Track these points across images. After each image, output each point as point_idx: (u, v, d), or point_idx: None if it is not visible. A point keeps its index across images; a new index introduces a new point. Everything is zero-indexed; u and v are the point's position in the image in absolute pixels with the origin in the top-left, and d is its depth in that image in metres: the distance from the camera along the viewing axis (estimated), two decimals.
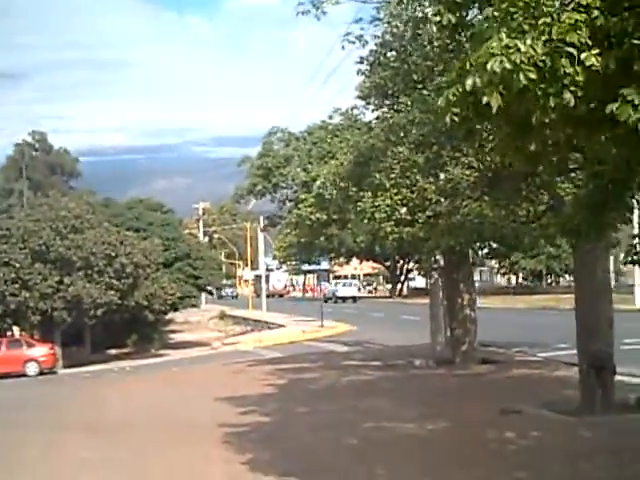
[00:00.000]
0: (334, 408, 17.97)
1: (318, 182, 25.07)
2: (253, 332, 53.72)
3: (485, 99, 7.16)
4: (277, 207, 31.92)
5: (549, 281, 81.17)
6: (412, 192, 22.99)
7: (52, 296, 40.67)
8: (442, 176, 23.64)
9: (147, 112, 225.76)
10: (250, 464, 12.57)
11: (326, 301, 72.15)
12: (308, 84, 41.86)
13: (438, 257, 29.63)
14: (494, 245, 25.64)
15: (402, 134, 19.35)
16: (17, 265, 40.24)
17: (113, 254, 41.33)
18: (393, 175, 22.71)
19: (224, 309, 76.49)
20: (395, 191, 22.70)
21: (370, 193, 22.85)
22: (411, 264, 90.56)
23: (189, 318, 68.26)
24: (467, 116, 7.71)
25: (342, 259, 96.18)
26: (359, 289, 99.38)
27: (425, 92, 19.39)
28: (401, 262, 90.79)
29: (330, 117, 29.34)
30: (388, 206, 22.59)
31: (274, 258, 51.31)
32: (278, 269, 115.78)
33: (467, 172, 22.30)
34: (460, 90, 7.46)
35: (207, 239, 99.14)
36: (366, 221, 23.43)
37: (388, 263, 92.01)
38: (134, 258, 42.06)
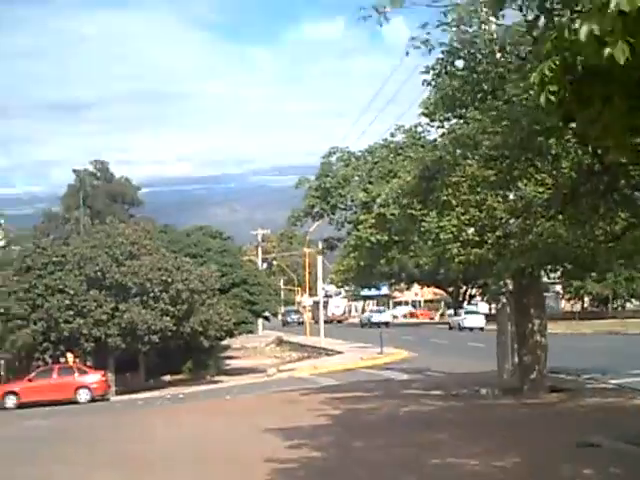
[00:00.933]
0: (393, 442, 16.38)
1: (379, 200, 23.69)
2: (310, 359, 52.39)
3: (607, 50, 5.42)
4: (335, 229, 30.27)
5: (615, 306, 78.33)
6: (480, 211, 21.47)
7: (106, 323, 40.19)
8: (511, 195, 22.15)
9: (207, 143, 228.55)
10: None
11: (362, 326, 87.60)
12: (366, 111, 40.79)
13: (507, 281, 28.04)
14: (567, 267, 23.80)
15: (471, 145, 17.79)
16: (72, 292, 39.81)
17: (169, 280, 40.64)
18: (460, 192, 21.29)
19: (281, 335, 75.34)
20: (462, 210, 21.22)
21: (435, 212, 21.40)
22: (474, 290, 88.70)
23: (246, 344, 67.25)
24: (565, 98, 6.12)
25: (403, 285, 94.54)
26: (395, 316, 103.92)
27: (497, 102, 18.05)
28: (464, 288, 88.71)
29: (392, 135, 27.85)
30: (454, 226, 21.09)
31: (331, 282, 50.00)
32: (337, 295, 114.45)
33: (540, 189, 20.73)
34: (558, 62, 5.89)
35: (266, 266, 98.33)
36: (430, 242, 21.97)
37: (451, 289, 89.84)
38: (190, 284, 41.25)
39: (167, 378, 48.31)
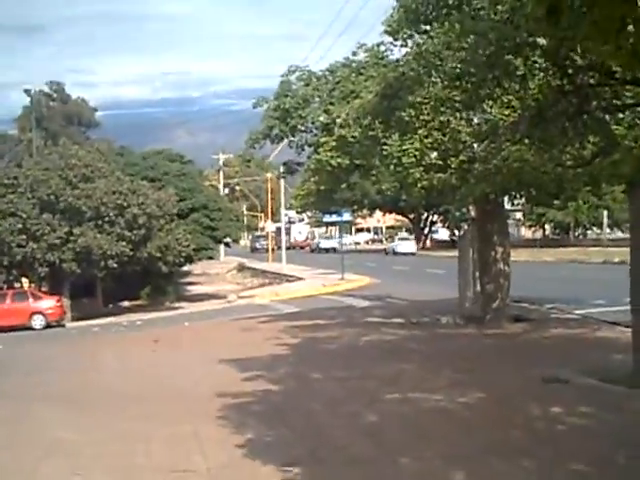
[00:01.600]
0: (352, 374, 15.66)
1: (339, 120, 22.59)
2: (271, 285, 51.76)
3: None
4: (295, 153, 29.05)
5: (576, 234, 78.28)
6: (444, 134, 20.56)
7: (60, 247, 38.96)
8: (476, 118, 21.22)
9: (167, 66, 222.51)
10: (247, 447, 10.29)
11: (312, 251, 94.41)
12: (326, 34, 39.24)
13: (469, 207, 27.30)
14: (533, 193, 22.96)
15: (435, 62, 16.67)
16: (24, 215, 38.44)
17: (125, 204, 39.32)
18: (423, 114, 20.28)
19: (243, 261, 74.60)
20: (425, 133, 20.27)
21: (397, 135, 20.41)
22: (435, 216, 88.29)
23: (207, 270, 66.47)
24: None
25: (365, 211, 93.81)
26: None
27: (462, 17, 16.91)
28: (425, 214, 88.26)
29: (354, 54, 26.50)
30: (417, 150, 20.18)
31: (291, 207, 48.90)
32: (300, 221, 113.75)
33: (506, 112, 19.79)
34: None
35: (227, 191, 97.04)
36: (392, 167, 21.03)
37: (412, 215, 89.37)
38: (147, 208, 39.98)
39: (125, 304, 47.47)
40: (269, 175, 79.64)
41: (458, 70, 16.54)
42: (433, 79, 17.77)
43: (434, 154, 20.86)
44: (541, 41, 15.11)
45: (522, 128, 19.56)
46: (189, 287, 57.48)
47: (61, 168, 39.94)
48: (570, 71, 15.88)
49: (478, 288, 27.42)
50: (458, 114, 20.44)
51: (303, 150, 28.46)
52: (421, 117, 20.28)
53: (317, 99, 27.21)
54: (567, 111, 17.12)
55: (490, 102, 19.46)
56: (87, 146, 43.86)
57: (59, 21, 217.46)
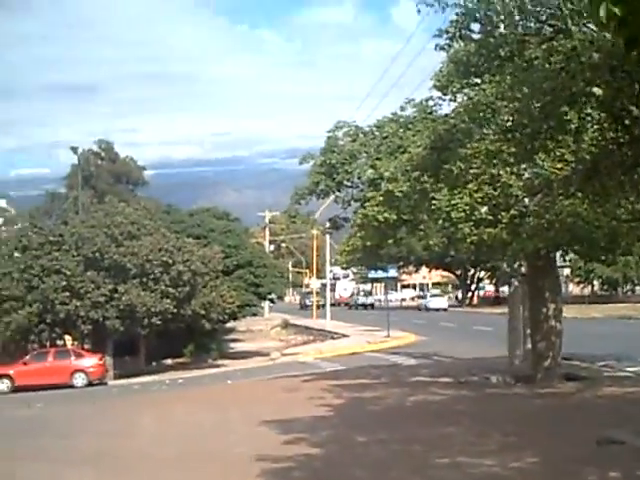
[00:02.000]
0: (399, 437, 14.94)
1: (387, 174, 22.08)
2: (315, 342, 51.07)
3: None
4: (341, 208, 28.45)
5: (625, 290, 76.67)
6: (494, 189, 20.01)
7: (104, 305, 38.66)
8: (527, 172, 20.66)
9: (217, 126, 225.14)
10: None
11: (349, 308, 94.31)
12: (371, 94, 38.77)
13: (520, 263, 26.59)
14: (585, 247, 22.20)
15: (488, 113, 16.16)
16: (68, 273, 38.29)
17: (170, 261, 39.07)
18: (473, 167, 19.77)
19: (287, 317, 73.99)
20: (475, 187, 19.74)
21: (446, 190, 19.89)
22: (482, 272, 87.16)
23: (251, 327, 65.97)
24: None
25: (411, 267, 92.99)
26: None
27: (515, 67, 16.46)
28: (472, 270, 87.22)
29: (402, 109, 26.03)
30: (467, 204, 19.63)
31: (336, 263, 48.06)
32: (345, 277, 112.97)
33: (559, 165, 19.20)
34: None
35: (273, 248, 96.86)
36: (441, 222, 20.46)
37: (459, 272, 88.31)
38: (192, 265, 39.68)
39: (168, 362, 46.89)
40: (314, 232, 79.46)
41: (511, 122, 16.06)
42: (485, 131, 17.26)
43: (484, 209, 20.32)
44: (597, 91, 14.59)
45: (576, 182, 19.04)
46: (232, 344, 56.87)
47: (107, 225, 39.90)
48: (626, 122, 15.30)
49: (528, 346, 26.58)
50: (509, 168, 19.94)
51: (349, 205, 27.89)
52: (471, 170, 19.80)
53: (364, 154, 26.73)
54: (623, 163, 16.54)
55: (542, 155, 18.93)
56: (134, 204, 43.76)
57: (112, 81, 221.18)
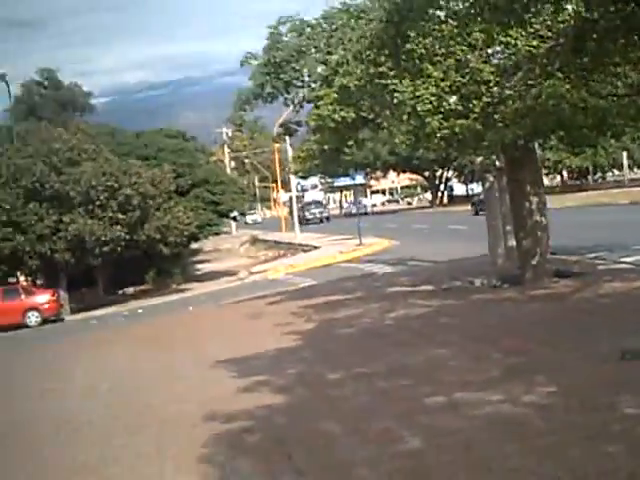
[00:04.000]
0: (379, 369, 12.19)
1: (336, 57, 18.89)
2: (286, 257, 48.43)
3: None
4: (293, 111, 25.02)
5: (595, 177, 74.48)
6: (462, 75, 17.06)
7: (51, 237, 35.64)
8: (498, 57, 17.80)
9: (168, 47, 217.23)
10: None
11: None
12: None
13: (493, 157, 23.80)
14: (573, 132, 19.23)
15: None
16: (8, 207, 35.07)
17: (116, 185, 35.90)
18: (437, 52, 16.78)
19: (256, 233, 71.17)
20: (441, 75, 16.76)
21: (409, 80, 16.84)
22: (450, 172, 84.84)
23: (219, 246, 63.22)
24: None
25: (378, 173, 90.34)
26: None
27: None
28: (440, 171, 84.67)
29: None
30: (433, 95, 16.64)
31: (290, 172, 44.49)
32: (313, 188, 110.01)
33: (534, 43, 16.24)
34: None
35: (234, 165, 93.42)
36: (406, 116, 17.45)
37: (427, 173, 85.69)
38: (140, 188, 36.48)
39: (130, 290, 44.17)
40: (277, 145, 75.95)
41: None
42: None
43: (453, 98, 17.41)
44: None
45: (559, 58, 16.23)
46: (200, 265, 54.12)
47: (44, 154, 36.56)
48: None
49: (510, 243, 24.20)
50: (477, 52, 17.05)
51: (301, 107, 24.46)
52: (434, 55, 16.84)
53: (313, 49, 23.30)
54: (615, 29, 13.74)
55: (515, 33, 16.05)
56: (72, 128, 40.11)
57: (53, 15, 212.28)
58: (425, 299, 19.01)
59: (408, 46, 16.46)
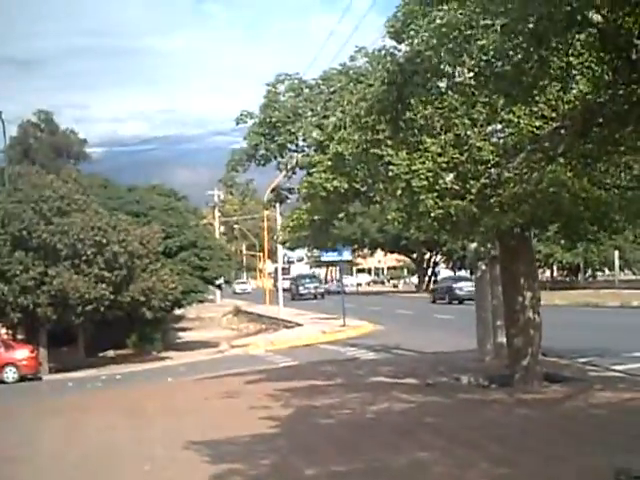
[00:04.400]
0: (358, 468, 11.55)
1: (333, 119, 18.37)
2: (268, 331, 47.66)
3: None
4: (285, 177, 24.31)
5: (586, 276, 74.02)
6: (461, 153, 16.59)
7: (35, 290, 34.80)
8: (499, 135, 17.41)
9: (165, 102, 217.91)
10: None
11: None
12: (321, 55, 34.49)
13: (487, 244, 23.36)
14: (572, 224, 18.75)
15: (462, 39, 12.50)
16: None
17: (104, 241, 35.24)
18: (435, 126, 16.36)
19: (239, 304, 70.34)
20: (439, 150, 16.24)
21: (405, 153, 16.37)
22: (438, 256, 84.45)
23: (202, 314, 62.40)
24: None
25: (366, 250, 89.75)
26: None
27: None
28: (428, 254, 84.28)
29: (352, 59, 22.22)
30: (429, 171, 16.04)
31: (277, 241, 42.92)
32: (300, 261, 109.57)
33: (537, 123, 15.83)
34: None
35: (224, 229, 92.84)
36: (400, 192, 16.88)
37: (415, 255, 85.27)
38: (128, 246, 35.88)
39: (111, 354, 43.21)
40: (266, 212, 75.47)
41: (492, 53, 12.50)
42: (457, 64, 13.73)
43: (450, 176, 16.83)
44: (596, 18, 11.40)
45: (563, 141, 15.81)
46: (181, 333, 53.29)
47: (34, 200, 35.90)
48: (633, 56, 12.10)
49: (499, 339, 23.68)
50: (477, 129, 16.62)
51: (294, 173, 23.76)
52: (433, 128, 16.42)
53: (309, 112, 22.82)
54: (627, 113, 13.35)
55: (518, 111, 15.64)
56: (64, 176, 39.58)
57: (50, 55, 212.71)
58: (409, 393, 18.32)
59: (408, 114, 15.98)
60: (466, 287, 52.30)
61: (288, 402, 17.80)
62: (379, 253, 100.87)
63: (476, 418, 15.12)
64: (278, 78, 23.06)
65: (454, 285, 58.13)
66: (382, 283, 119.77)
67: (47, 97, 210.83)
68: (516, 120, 15.71)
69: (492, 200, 16.48)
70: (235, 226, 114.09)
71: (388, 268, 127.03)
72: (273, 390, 19.69)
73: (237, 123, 23.15)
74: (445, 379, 20.51)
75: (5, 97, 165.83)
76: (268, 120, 22.41)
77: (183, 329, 55.52)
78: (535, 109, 15.66)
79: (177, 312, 51.06)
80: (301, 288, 77.81)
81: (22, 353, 33.56)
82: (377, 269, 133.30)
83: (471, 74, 14.84)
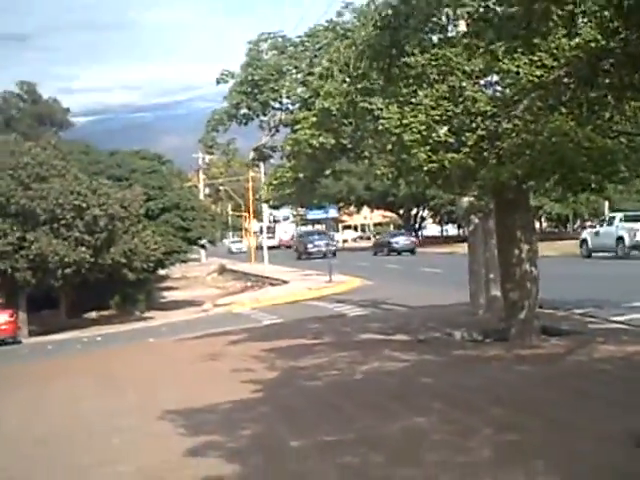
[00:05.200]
0: (346, 437, 10.27)
1: (319, 69, 17.04)
2: (253, 289, 46.45)
3: None
4: (268, 135, 22.91)
5: (575, 226, 72.92)
6: (456, 105, 15.31)
7: (13, 255, 33.55)
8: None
9: (154, 72, 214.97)
10: None
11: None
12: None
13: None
14: (577, 174, 17.35)
15: None
16: None
17: (83, 205, 34.04)
18: (429, 77, 15.05)
19: (224, 262, 69.01)
20: (432, 103, 14.97)
21: (396, 107, 15.06)
22: (425, 211, 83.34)
23: (187, 273, 61.12)
24: None
25: (352, 208, 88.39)
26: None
27: None
28: (415, 210, 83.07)
29: (339, 14, 20.81)
30: (422, 124, 14.81)
31: (260, 199, 40.74)
32: (285, 219, 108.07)
33: (537, 72, 14.49)
34: None
35: (209, 191, 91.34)
36: (390, 146, 15.62)
37: (401, 211, 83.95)
38: (109, 209, 34.58)
39: (93, 315, 42.01)
40: (251, 174, 73.95)
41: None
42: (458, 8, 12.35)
43: (444, 129, 15.60)
44: None
45: (567, 90, 14.53)
46: (165, 293, 51.99)
47: (12, 167, 34.61)
48: None
49: (492, 292, 22.55)
50: (472, 80, 15.36)
51: (277, 131, 22.45)
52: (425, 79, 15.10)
53: (294, 70, 21.42)
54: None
55: (517, 60, 14.36)
56: (43, 142, 38.13)
57: (39, 30, 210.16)
58: (400, 351, 17.05)
59: (402, 60, 14.57)
60: (401, 241, 63.28)
61: (272, 363, 16.51)
62: (365, 210, 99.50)
63: (474, 377, 13.85)
64: (260, 37, 21.67)
65: (391, 240, 66.83)
66: (368, 239, 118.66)
67: (33, 70, 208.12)
68: (515, 69, 14.37)
69: (489, 152, 15.32)
70: (220, 187, 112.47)
71: (374, 224, 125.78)
72: (257, 351, 18.42)
73: (218, 82, 21.88)
74: (437, 334, 19.26)
75: None
76: (250, 78, 21.08)
77: (168, 289, 54.27)
78: (535, 58, 14.36)
79: (161, 272, 49.86)
80: (310, 246, 68.73)
81: (1, 317, 32.48)
82: (363, 225, 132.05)
83: (469, 21, 13.51)
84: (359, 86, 15.15)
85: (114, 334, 31.91)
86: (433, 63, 14.81)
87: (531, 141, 14.83)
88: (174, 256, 43.19)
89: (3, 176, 34.24)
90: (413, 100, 14.91)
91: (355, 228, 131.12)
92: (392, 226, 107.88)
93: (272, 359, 17.05)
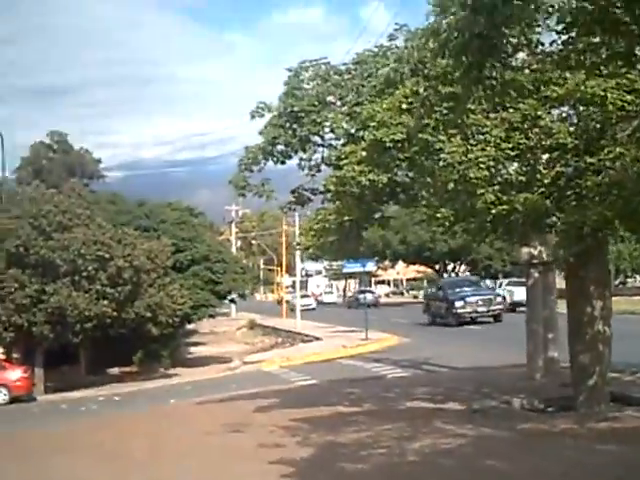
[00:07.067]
0: None
1: (384, 70, 14.56)
2: (284, 345, 44.01)
3: None
4: (308, 175, 19.99)
5: (616, 282, 69.72)
6: (527, 137, 13.03)
7: (30, 308, 31.53)
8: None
9: (187, 127, 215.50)
10: None
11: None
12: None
13: (539, 247, 19.65)
14: None
15: None
16: None
17: (107, 256, 31.93)
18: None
19: (254, 318, 66.61)
20: (502, 134, 12.72)
21: (459, 139, 12.84)
22: (463, 266, 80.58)
23: (216, 328, 58.87)
24: None
25: (387, 262, 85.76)
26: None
27: None
28: (452, 264, 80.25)
29: (391, 38, 18.19)
30: (492, 159, 12.54)
31: (298, 246, 37.52)
32: (318, 274, 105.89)
33: (627, 97, 12.13)
34: None
35: (240, 244, 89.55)
36: (452, 185, 13.21)
37: (437, 266, 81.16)
38: (134, 261, 32.46)
39: (116, 371, 39.71)
40: (285, 227, 72.12)
41: None
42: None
43: (514, 166, 13.35)
44: None
45: None
46: (192, 348, 49.63)
47: (33, 215, 32.75)
48: None
49: (549, 354, 20.11)
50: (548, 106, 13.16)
51: (319, 171, 19.69)
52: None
53: (338, 101, 18.91)
54: None
55: (603, 84, 12.06)
56: (67, 190, 36.29)
57: (78, 85, 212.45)
58: (455, 424, 14.45)
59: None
60: (368, 297, 63.93)
61: (306, 437, 13.94)
62: (399, 264, 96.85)
63: (552, 461, 11.23)
64: (302, 64, 19.12)
65: (359, 295, 71.93)
66: (401, 294, 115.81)
67: (70, 125, 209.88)
68: (602, 95, 11.99)
69: (568, 192, 13.10)
70: (253, 242, 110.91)
71: (407, 279, 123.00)
72: (288, 420, 15.87)
73: (252, 117, 19.05)
74: (494, 403, 16.67)
75: (26, 125, 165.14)
76: (289, 110, 18.48)
77: (195, 344, 51.90)
78: (625, 81, 12.04)
79: (189, 326, 47.63)
80: (459, 304, 43.41)
81: (15, 374, 30.54)
82: (395, 280, 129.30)
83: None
84: (440, 90, 12.70)
85: (134, 393, 29.57)
86: (520, 78, 12.54)
87: (620, 179, 12.44)
88: (202, 310, 40.85)
89: (23, 224, 32.38)
90: (479, 131, 12.65)
91: (388, 283, 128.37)
92: (426, 282, 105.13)
93: (305, 432, 14.50)
